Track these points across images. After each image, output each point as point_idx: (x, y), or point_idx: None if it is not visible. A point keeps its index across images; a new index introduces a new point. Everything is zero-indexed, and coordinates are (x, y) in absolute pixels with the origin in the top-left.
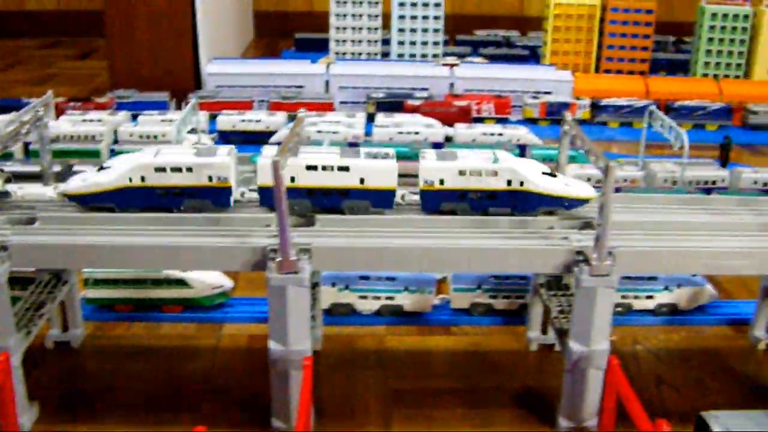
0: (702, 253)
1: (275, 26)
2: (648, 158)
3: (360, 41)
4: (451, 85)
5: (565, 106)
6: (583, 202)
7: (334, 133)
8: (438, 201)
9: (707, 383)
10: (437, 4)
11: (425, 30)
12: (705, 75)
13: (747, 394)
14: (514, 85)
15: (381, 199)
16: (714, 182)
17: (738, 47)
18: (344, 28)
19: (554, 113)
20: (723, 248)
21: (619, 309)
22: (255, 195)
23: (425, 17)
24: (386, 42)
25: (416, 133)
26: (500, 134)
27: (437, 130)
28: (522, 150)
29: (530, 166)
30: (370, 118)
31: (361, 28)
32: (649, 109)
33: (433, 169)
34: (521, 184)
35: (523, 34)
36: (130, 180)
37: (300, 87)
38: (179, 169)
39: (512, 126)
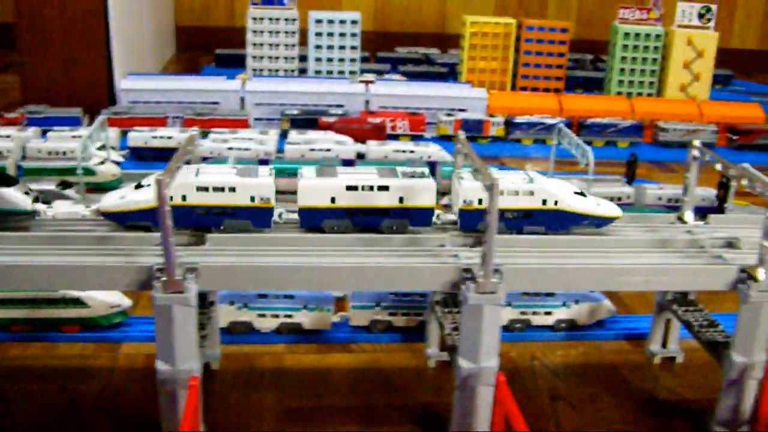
0: (590, 270)
1: (197, 41)
2: (557, 175)
3: (277, 58)
4: (367, 102)
5: (479, 123)
6: (611, 220)
7: (245, 149)
8: (477, 220)
9: (602, 398)
10: (354, 22)
11: (342, 47)
12: (619, 93)
13: (641, 408)
14: (429, 102)
15: (420, 218)
16: (619, 198)
17: (650, 66)
18: (261, 45)
19: (469, 130)
20: (612, 265)
21: (519, 325)
22: (294, 216)
23: (342, 34)
24: (304, 59)
25: (328, 150)
26: (412, 151)
27: (349, 147)
28: (432, 167)
29: (563, 186)
30: (285, 135)
31: (278, 45)
32: (557, 126)
33: (472, 189)
34: (555, 203)
35: (444, 51)
36: (171, 199)
37: (215, 103)
38: (222, 189)
39: (424, 143)
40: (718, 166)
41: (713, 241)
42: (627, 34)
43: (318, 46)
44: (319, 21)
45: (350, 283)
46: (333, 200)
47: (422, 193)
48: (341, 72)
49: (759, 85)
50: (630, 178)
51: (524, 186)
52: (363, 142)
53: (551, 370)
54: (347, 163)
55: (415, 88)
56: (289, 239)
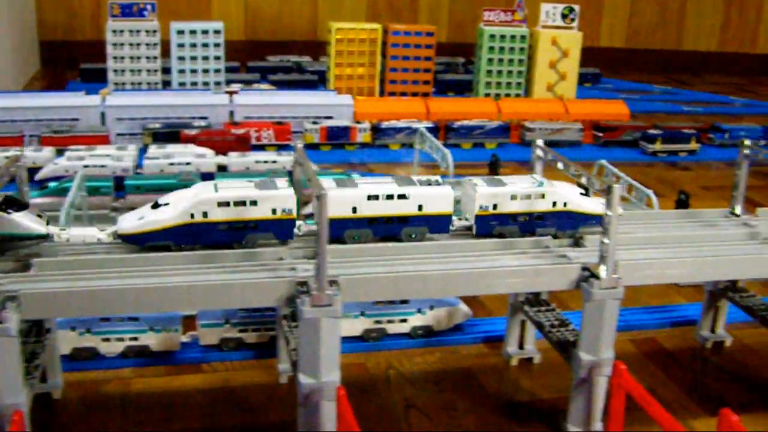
0: (423, 278)
1: (63, 56)
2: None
3: (139, 71)
4: (231, 113)
5: (346, 130)
6: None
7: (101, 167)
8: (492, 225)
9: (457, 405)
10: (217, 31)
11: (206, 58)
12: (487, 95)
13: (497, 412)
14: (295, 111)
15: (438, 224)
16: None
17: (517, 67)
18: (122, 58)
19: (335, 138)
20: (449, 270)
21: (374, 335)
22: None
23: (205, 45)
24: (168, 71)
25: (187, 163)
26: (274, 161)
27: (209, 159)
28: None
29: (569, 188)
30: (146, 150)
31: (139, 58)
32: (419, 131)
33: (489, 195)
34: (565, 205)
35: (316, 59)
36: (192, 216)
37: (75, 120)
38: (243, 203)
39: (286, 153)
40: (560, 165)
41: (559, 241)
42: (492, 36)
43: (181, 58)
44: (180, 32)
45: (182, 302)
46: (354, 210)
47: (440, 200)
48: (206, 83)
49: (627, 82)
50: None
51: (536, 189)
52: (226, 154)
53: (407, 378)
54: (206, 176)
55: (281, 97)
56: (119, 260)
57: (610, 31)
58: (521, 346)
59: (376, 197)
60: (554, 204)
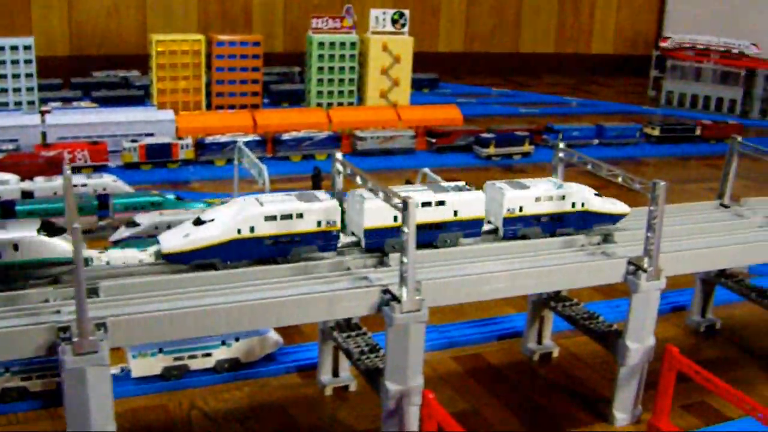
0: (200, 314)
1: None
2: (242, 195)
3: None
4: (44, 134)
5: (167, 147)
6: (622, 217)
7: None
8: (518, 227)
9: None
10: (27, 47)
11: (16, 75)
12: (319, 104)
13: None
14: (113, 129)
15: (472, 229)
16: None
17: (348, 75)
18: None
19: (155, 156)
20: (226, 305)
21: (175, 372)
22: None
23: (15, 62)
24: None
25: None
26: (84, 185)
27: (12, 186)
28: (105, 199)
29: (585, 189)
30: None
31: None
32: (237, 145)
33: (516, 198)
34: (582, 205)
35: (144, 73)
36: (239, 231)
37: None
38: (290, 216)
39: (97, 175)
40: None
41: (363, 261)
42: (321, 44)
43: None
44: None
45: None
46: (395, 219)
47: (473, 204)
48: (18, 103)
49: (465, 86)
50: None
51: (558, 191)
52: (32, 178)
53: (212, 418)
54: (8, 204)
55: (97, 115)
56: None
57: (448, 36)
58: (336, 374)
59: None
60: (573, 205)
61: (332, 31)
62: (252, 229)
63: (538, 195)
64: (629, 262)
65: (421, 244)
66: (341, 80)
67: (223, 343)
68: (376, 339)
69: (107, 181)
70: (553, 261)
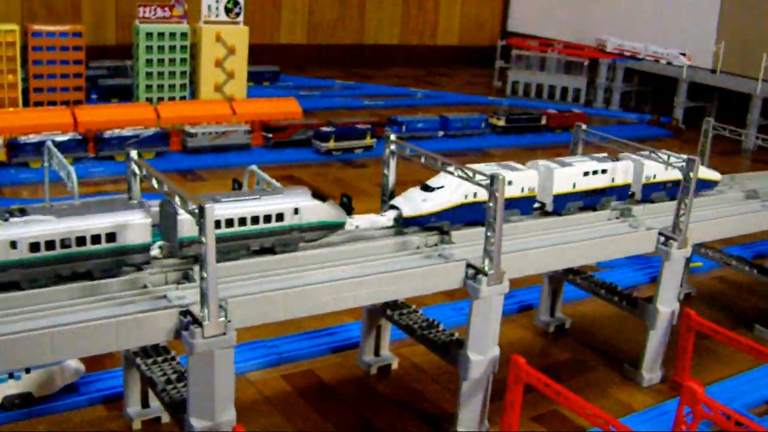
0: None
1: None
2: (57, 200)
3: None
4: None
5: None
6: (716, 183)
7: None
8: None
9: None
10: None
11: None
12: (148, 99)
13: None
14: None
15: (623, 193)
16: None
17: (180, 67)
18: None
19: None
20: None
21: None
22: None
23: None
24: None
25: None
26: None
27: None
28: None
29: (627, 164)
30: None
31: None
32: (46, 146)
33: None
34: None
35: None
36: (465, 197)
37: None
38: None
39: None
40: (154, 182)
41: (164, 276)
42: (149, 35)
43: None
44: None
45: None
46: (574, 185)
47: (625, 172)
48: None
49: (308, 79)
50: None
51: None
52: None
53: None
54: None
55: None
56: None
57: (291, 27)
58: (145, 404)
59: (587, 173)
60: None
61: (161, 20)
62: (475, 195)
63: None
64: (468, 265)
65: (586, 208)
66: (172, 73)
67: (11, 375)
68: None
69: None
70: (385, 267)
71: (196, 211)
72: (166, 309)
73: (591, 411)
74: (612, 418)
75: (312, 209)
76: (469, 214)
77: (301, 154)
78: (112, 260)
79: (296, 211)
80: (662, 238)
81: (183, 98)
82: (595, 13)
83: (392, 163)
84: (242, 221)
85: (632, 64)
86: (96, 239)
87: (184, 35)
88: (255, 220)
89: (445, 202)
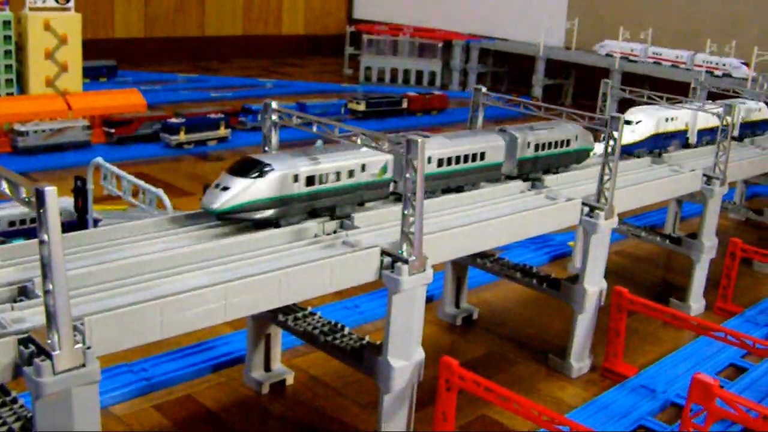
0: None
1: None
2: None
3: None
4: None
5: None
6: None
7: None
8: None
9: None
10: None
11: None
12: None
13: None
14: None
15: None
16: None
17: (4, 60)
18: None
19: None
20: None
21: None
22: None
23: None
24: None
25: None
26: None
27: None
28: None
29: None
30: None
31: None
32: None
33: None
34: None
35: None
36: (657, 127)
37: None
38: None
39: None
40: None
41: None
42: None
43: None
44: None
45: None
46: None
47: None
48: None
49: (148, 73)
50: None
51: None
52: None
53: None
54: None
55: None
56: None
57: (126, 20)
58: None
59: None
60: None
61: None
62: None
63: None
64: (384, 252)
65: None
66: None
67: None
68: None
69: None
70: (281, 263)
71: (33, 198)
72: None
73: (537, 411)
74: (563, 416)
75: (583, 136)
76: (660, 142)
77: (148, 150)
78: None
79: (576, 138)
80: (586, 209)
81: (10, 94)
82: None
83: (274, 137)
84: (547, 145)
85: (486, 44)
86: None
87: (6, 24)
88: (549, 145)
89: (648, 131)
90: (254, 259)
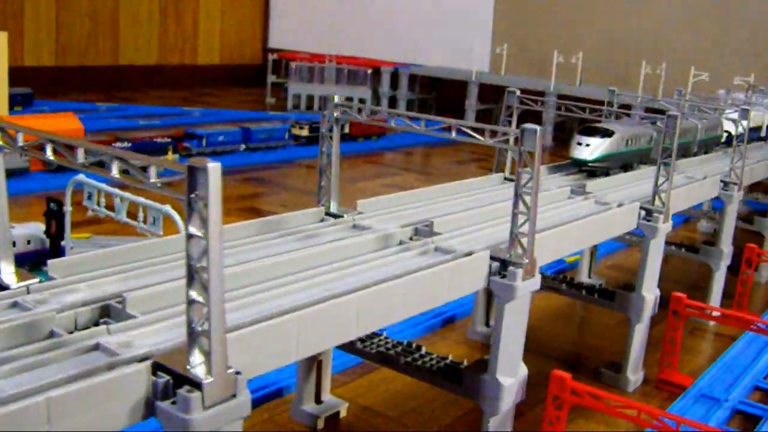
0: None
1: None
2: None
3: None
4: None
5: None
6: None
7: None
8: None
9: None
10: None
11: None
12: None
13: None
14: None
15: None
16: None
17: None
18: None
19: None
20: None
21: None
22: None
23: None
24: None
25: None
26: None
27: None
28: None
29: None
30: None
31: None
32: None
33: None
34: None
35: None
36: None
37: None
38: None
39: None
40: None
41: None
42: None
43: None
44: None
45: None
46: None
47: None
48: None
49: (65, 102)
50: None
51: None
52: None
53: None
54: None
55: None
56: None
57: (36, 49)
58: None
59: None
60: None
61: None
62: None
63: None
64: (493, 258)
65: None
66: None
67: None
68: None
69: None
70: (387, 273)
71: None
72: (123, 368)
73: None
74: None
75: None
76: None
77: (92, 178)
78: None
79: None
80: (643, 213)
81: None
82: (365, 28)
83: (336, 135)
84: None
85: (415, 70)
86: None
87: None
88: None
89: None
90: (356, 267)
